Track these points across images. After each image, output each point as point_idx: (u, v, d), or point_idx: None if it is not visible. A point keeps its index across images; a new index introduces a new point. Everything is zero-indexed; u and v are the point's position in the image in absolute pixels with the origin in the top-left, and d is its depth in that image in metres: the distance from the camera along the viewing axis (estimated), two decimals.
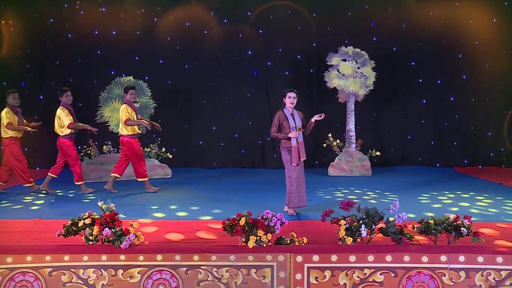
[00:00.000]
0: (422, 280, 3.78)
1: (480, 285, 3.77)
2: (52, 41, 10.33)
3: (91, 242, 3.96)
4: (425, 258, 3.79)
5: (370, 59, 9.66)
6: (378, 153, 9.61)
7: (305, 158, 5.87)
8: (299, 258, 3.81)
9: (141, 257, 3.81)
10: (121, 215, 5.68)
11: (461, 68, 10.58)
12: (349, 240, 3.92)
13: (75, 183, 7.43)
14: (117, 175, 7.49)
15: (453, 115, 10.68)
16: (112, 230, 3.93)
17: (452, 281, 3.77)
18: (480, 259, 3.77)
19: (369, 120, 10.60)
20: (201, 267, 3.81)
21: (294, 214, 5.83)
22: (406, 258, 3.80)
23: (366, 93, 9.62)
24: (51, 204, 6.65)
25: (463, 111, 10.65)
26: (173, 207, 6.39)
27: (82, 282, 3.80)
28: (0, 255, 3.80)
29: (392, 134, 10.75)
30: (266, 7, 10.44)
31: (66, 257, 3.80)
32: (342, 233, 3.98)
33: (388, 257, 3.80)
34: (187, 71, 10.53)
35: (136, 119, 7.36)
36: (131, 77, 9.23)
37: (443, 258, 3.79)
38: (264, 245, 3.88)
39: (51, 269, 3.80)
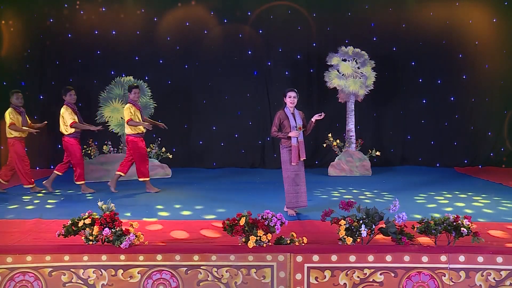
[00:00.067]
0: (422, 280, 3.78)
1: (480, 285, 3.77)
2: (52, 41, 10.33)
3: (91, 242, 3.96)
4: (425, 258, 3.79)
5: (370, 59, 9.65)
6: (378, 153, 9.61)
7: (305, 158, 5.87)
8: (299, 258, 3.81)
9: (141, 257, 3.81)
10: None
11: (461, 68, 10.57)
12: (349, 240, 3.92)
13: (76, 182, 7.44)
14: (121, 174, 7.51)
15: (453, 115, 10.67)
16: (112, 230, 3.93)
17: (452, 281, 3.77)
18: (480, 259, 3.77)
19: (369, 120, 10.59)
20: (201, 267, 3.81)
21: (294, 215, 5.83)
22: (406, 258, 3.80)
23: (366, 93, 9.62)
24: (51, 204, 6.64)
25: (463, 111, 10.65)
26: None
27: (82, 282, 3.80)
28: (0, 255, 3.80)
29: (392, 134, 10.74)
30: (266, 7, 10.43)
31: (66, 257, 3.81)
32: (342, 233, 3.98)
33: (388, 257, 3.80)
34: (187, 71, 10.53)
35: (140, 118, 7.37)
36: (131, 77, 9.23)
37: (443, 258, 3.79)
38: (264, 245, 3.88)
39: (51, 269, 3.80)
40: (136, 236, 3.98)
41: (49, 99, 10.30)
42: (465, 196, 7.11)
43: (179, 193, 7.46)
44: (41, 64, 10.34)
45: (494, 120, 10.64)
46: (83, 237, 3.99)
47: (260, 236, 3.87)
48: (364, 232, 3.90)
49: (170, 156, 9.37)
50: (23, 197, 7.09)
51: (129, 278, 3.80)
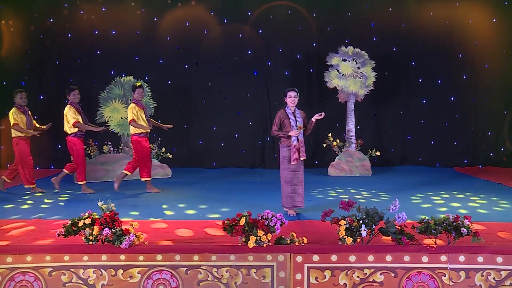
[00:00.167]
0: (422, 280, 3.78)
1: (480, 285, 3.77)
2: (52, 41, 10.33)
3: (91, 242, 3.96)
4: (425, 258, 3.79)
5: (370, 59, 9.65)
6: (378, 153, 9.61)
7: (305, 158, 5.87)
8: (299, 258, 3.81)
9: (141, 257, 3.81)
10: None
11: (461, 68, 10.57)
12: (349, 240, 3.92)
13: (77, 182, 7.46)
14: (127, 173, 7.54)
15: (453, 115, 10.67)
16: (112, 230, 3.93)
17: (452, 281, 3.77)
18: (480, 259, 3.77)
19: (369, 120, 10.59)
20: (201, 267, 3.81)
21: (294, 215, 5.83)
22: (406, 258, 3.80)
23: (366, 93, 9.62)
24: (51, 204, 6.65)
25: (463, 111, 10.65)
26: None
27: (82, 282, 3.80)
28: (0, 255, 3.80)
29: (392, 134, 10.74)
30: (266, 7, 10.43)
31: (66, 257, 3.81)
32: (342, 233, 3.98)
33: (388, 257, 3.80)
34: (187, 71, 10.53)
35: (144, 118, 7.38)
36: (131, 77, 9.23)
37: (443, 258, 3.79)
38: (264, 245, 3.88)
39: (51, 269, 3.80)
40: (136, 236, 3.98)
41: (49, 99, 10.31)
42: (463, 196, 7.08)
43: (179, 193, 7.46)
44: (41, 64, 10.34)
45: (494, 120, 10.64)
46: (83, 237, 3.99)
47: (260, 236, 3.87)
48: (364, 232, 3.90)
49: (170, 156, 9.37)
50: (24, 197, 7.09)
51: (129, 278, 3.80)
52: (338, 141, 9.61)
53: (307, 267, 3.80)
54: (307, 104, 10.06)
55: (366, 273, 3.80)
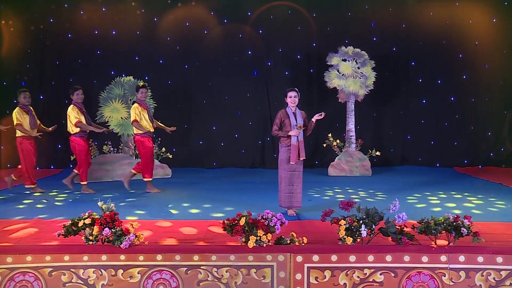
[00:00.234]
0: (422, 280, 3.78)
1: (480, 285, 3.77)
2: (52, 41, 10.33)
3: (91, 242, 3.96)
4: (425, 258, 3.79)
5: (370, 59, 9.66)
6: (378, 153, 9.61)
7: (304, 158, 5.86)
8: (299, 258, 3.81)
9: (141, 257, 3.81)
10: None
11: (461, 68, 10.58)
12: (349, 240, 3.92)
13: (79, 181, 7.46)
14: (135, 172, 7.57)
15: (453, 115, 10.68)
16: (112, 230, 3.93)
17: (452, 281, 3.77)
18: (480, 259, 3.77)
19: (369, 120, 10.60)
20: (201, 267, 3.81)
21: (294, 215, 5.83)
22: (406, 258, 3.80)
23: (366, 93, 9.62)
24: (51, 204, 6.64)
25: (463, 111, 10.65)
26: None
27: (82, 282, 3.80)
28: (0, 255, 3.80)
29: (392, 134, 10.75)
30: (266, 7, 10.44)
31: (66, 257, 3.81)
32: (342, 233, 3.97)
33: (388, 257, 3.80)
34: (187, 71, 10.53)
35: (147, 118, 7.39)
36: (131, 77, 9.23)
37: (443, 258, 3.79)
38: (264, 245, 3.88)
39: (51, 269, 3.80)
40: (136, 236, 3.98)
41: (49, 99, 10.31)
42: (460, 196, 7.06)
43: (179, 194, 7.45)
44: (41, 64, 10.33)
45: (494, 120, 10.64)
46: (83, 237, 3.99)
47: (260, 236, 3.87)
48: (364, 232, 3.90)
49: (170, 156, 9.38)
50: (24, 197, 7.08)
51: (129, 278, 3.80)
52: (338, 141, 9.61)
53: (307, 267, 3.80)
54: (307, 104, 10.05)
55: (366, 273, 3.80)
